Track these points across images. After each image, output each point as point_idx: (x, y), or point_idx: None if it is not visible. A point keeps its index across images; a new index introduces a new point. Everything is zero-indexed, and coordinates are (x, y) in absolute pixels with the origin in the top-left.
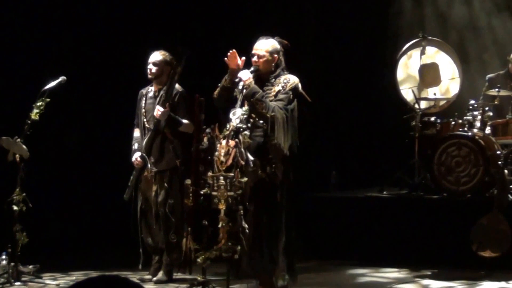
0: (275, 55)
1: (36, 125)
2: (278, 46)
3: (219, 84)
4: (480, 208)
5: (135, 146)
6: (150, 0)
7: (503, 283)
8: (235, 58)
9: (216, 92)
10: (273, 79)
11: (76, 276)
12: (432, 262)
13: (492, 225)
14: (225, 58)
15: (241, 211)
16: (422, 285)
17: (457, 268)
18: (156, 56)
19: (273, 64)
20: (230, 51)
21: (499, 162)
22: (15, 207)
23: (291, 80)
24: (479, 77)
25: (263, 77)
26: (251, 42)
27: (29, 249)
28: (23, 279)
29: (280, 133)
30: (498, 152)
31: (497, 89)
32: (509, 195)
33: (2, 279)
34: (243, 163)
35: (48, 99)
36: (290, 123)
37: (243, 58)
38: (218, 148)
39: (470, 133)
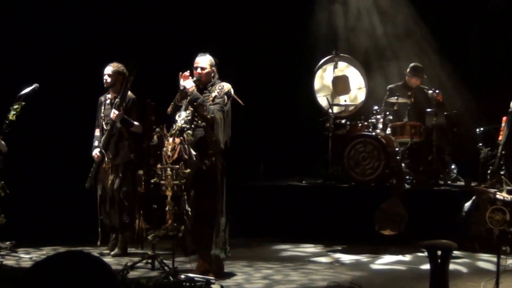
0: (213, 68)
1: (13, 124)
2: (213, 60)
3: (172, 103)
4: (382, 195)
5: (95, 143)
6: (109, 19)
7: (400, 256)
8: (186, 78)
9: (169, 109)
10: (210, 87)
11: (47, 251)
12: (342, 239)
13: (391, 209)
14: (180, 73)
15: (185, 197)
16: (334, 257)
17: (363, 244)
18: (110, 67)
19: (211, 75)
20: (186, 72)
21: (397, 157)
22: None
23: (225, 86)
24: (382, 87)
25: (202, 86)
26: (190, 55)
27: (7, 228)
28: (1, 253)
29: (219, 131)
30: (397, 149)
31: (396, 97)
32: (405, 184)
33: None
34: (186, 157)
35: (23, 103)
36: (226, 122)
37: (188, 71)
38: (166, 144)
39: (374, 133)
